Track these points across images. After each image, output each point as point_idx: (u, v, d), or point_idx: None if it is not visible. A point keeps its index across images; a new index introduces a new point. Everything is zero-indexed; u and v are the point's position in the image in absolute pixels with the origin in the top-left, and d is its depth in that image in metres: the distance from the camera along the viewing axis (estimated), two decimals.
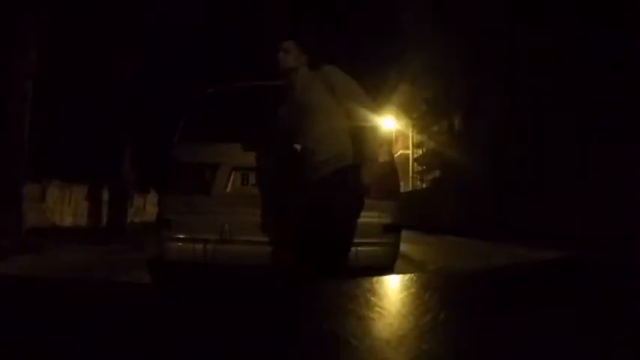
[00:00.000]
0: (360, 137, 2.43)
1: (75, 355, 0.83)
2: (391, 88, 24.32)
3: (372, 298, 1.24)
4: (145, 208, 20.61)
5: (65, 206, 16.29)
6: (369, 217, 3.02)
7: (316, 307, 1.24)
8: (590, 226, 8.99)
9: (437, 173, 26.01)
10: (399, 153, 32.50)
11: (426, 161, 28.07)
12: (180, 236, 3.39)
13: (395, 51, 19.07)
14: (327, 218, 2.42)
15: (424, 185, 28.45)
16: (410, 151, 32.53)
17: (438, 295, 1.32)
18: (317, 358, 0.83)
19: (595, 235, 8.54)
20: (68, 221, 16.09)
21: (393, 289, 1.44)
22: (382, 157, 3.14)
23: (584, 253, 7.08)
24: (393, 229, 3.51)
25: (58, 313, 1.06)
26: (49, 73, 9.82)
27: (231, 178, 3.50)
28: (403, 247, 4.61)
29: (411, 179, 31.10)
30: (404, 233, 3.98)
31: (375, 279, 1.56)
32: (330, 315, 1.09)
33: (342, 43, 13.23)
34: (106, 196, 15.09)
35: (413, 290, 1.42)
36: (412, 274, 5.60)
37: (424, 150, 28.89)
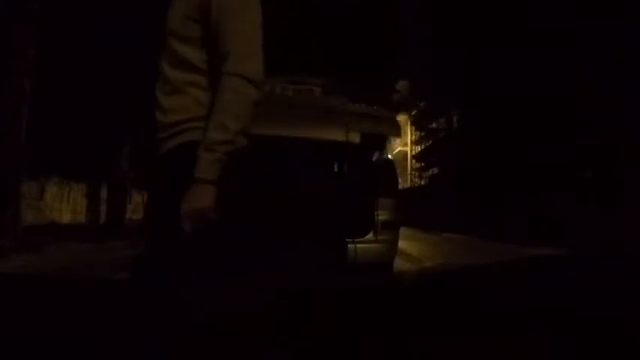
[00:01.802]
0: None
1: (75, 355, 0.83)
2: (390, 85, 24.30)
3: (371, 296, 1.24)
4: (144, 204, 20.60)
5: (64, 204, 16.27)
6: None
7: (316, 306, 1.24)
8: (590, 226, 8.99)
9: (435, 170, 26.06)
10: (397, 150, 32.52)
11: (424, 158, 28.12)
12: None
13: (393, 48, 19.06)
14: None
15: (422, 182, 28.50)
16: (408, 148, 32.56)
17: (437, 293, 1.32)
18: (317, 357, 0.83)
19: (595, 235, 8.54)
20: (66, 218, 16.07)
21: (392, 287, 1.44)
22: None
23: (583, 252, 7.09)
24: (391, 226, 3.52)
25: (57, 312, 1.06)
26: (48, 73, 9.79)
27: None
28: (402, 244, 4.62)
29: (409, 176, 31.16)
30: (402, 230, 3.99)
31: (373, 275, 1.57)
32: (329, 314, 1.09)
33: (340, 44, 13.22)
34: (104, 193, 15.08)
35: (412, 287, 1.43)
36: (411, 271, 5.61)
37: (422, 147, 28.93)
